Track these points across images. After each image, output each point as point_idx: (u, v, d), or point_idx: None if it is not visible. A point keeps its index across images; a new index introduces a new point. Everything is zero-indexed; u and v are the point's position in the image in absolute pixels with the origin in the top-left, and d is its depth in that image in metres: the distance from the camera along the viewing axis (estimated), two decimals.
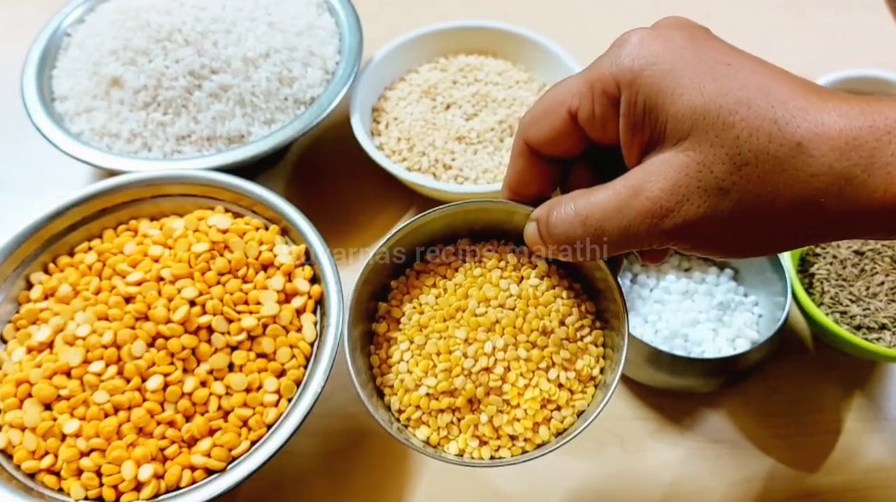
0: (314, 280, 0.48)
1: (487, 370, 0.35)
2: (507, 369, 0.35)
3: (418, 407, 0.36)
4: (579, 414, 0.35)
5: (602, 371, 0.36)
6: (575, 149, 0.32)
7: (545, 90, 0.63)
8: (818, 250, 0.51)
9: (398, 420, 0.36)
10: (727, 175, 0.26)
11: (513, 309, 0.36)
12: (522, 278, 0.37)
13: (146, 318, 0.43)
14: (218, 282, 0.46)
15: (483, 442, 0.35)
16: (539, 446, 0.35)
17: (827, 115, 0.26)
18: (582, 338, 0.36)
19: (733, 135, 0.26)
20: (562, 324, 0.36)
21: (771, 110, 0.26)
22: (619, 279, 0.34)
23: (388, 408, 0.36)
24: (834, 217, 0.26)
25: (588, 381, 0.36)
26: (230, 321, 0.44)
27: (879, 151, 0.25)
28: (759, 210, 0.26)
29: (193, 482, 0.41)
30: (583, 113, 0.30)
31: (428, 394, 0.35)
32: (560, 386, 0.35)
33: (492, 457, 0.35)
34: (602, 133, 0.30)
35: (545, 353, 0.35)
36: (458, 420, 0.35)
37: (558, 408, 0.35)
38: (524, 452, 0.35)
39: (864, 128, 0.25)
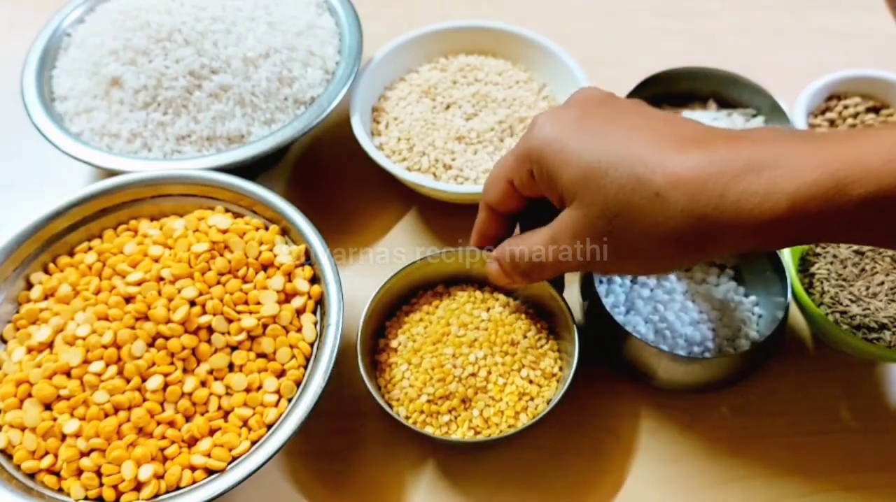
0: (314, 280, 0.48)
1: (473, 375, 0.45)
2: (489, 373, 0.45)
3: (422, 411, 0.45)
4: (548, 401, 0.45)
5: (561, 369, 0.47)
6: (519, 206, 0.43)
7: (544, 91, 0.63)
8: (818, 250, 0.51)
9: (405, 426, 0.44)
10: (604, 226, 0.35)
11: (486, 330, 0.46)
12: (489, 308, 0.48)
13: (146, 318, 0.43)
14: (218, 282, 0.46)
15: (477, 432, 0.44)
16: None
17: (681, 166, 0.32)
18: (541, 345, 0.47)
19: (604, 195, 0.35)
20: (525, 337, 0.47)
21: (633, 169, 0.33)
22: (563, 296, 0.46)
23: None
24: (692, 248, 0.34)
25: (551, 377, 0.46)
26: (230, 321, 0.44)
27: (729, 191, 0.31)
28: (633, 248, 0.35)
29: (193, 482, 0.41)
30: (517, 181, 0.41)
31: (429, 401, 0.45)
32: (530, 382, 0.46)
33: None
34: (532, 192, 0.41)
35: (516, 358, 0.46)
36: (455, 417, 0.45)
37: (532, 399, 0.45)
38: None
39: (713, 174, 0.32)
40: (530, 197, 0.41)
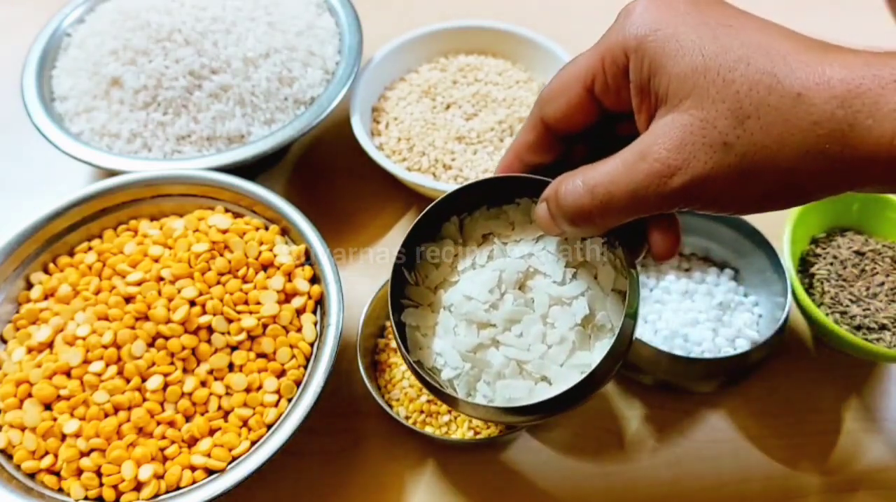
0: (314, 280, 0.48)
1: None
2: None
3: (422, 411, 0.44)
4: None
5: None
6: (588, 122, 0.34)
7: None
8: (818, 250, 0.51)
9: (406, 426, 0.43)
10: (730, 129, 0.27)
11: None
12: None
13: (146, 318, 0.43)
14: (218, 282, 0.46)
15: (477, 433, 0.44)
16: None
17: (828, 67, 0.26)
18: None
19: (733, 91, 0.27)
20: None
21: (771, 65, 0.27)
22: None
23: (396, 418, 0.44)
24: (839, 165, 0.26)
25: None
26: (230, 321, 0.44)
27: (884, 99, 0.25)
28: (765, 161, 0.27)
29: (193, 482, 0.41)
30: (598, 85, 0.32)
31: (429, 401, 0.44)
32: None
33: None
34: (616, 100, 0.32)
35: None
36: (455, 417, 0.44)
37: None
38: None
39: (867, 77, 0.26)
40: (610, 110, 0.33)
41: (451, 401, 0.35)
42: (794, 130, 0.26)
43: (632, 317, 0.33)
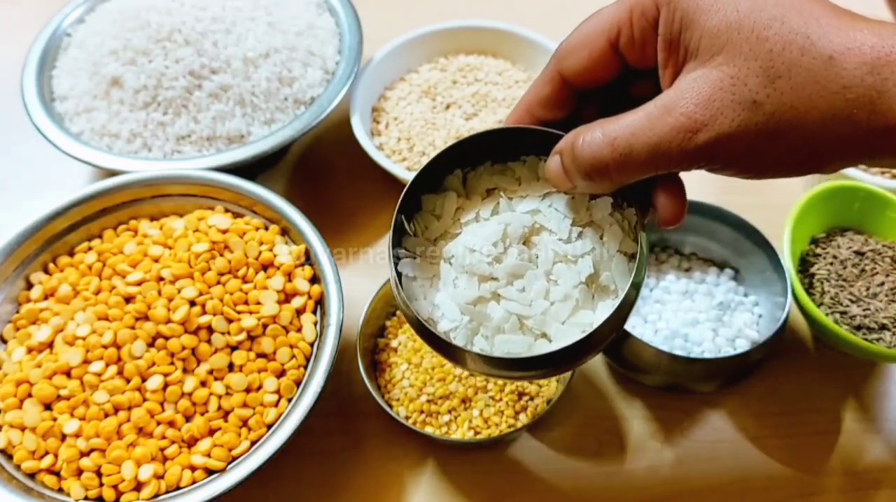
0: (314, 280, 0.48)
1: (473, 375, 0.45)
2: None
3: (422, 411, 0.45)
4: (548, 401, 0.46)
5: None
6: (608, 77, 0.33)
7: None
8: (818, 250, 0.51)
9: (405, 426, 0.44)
10: (761, 88, 0.27)
11: None
12: None
13: (146, 318, 0.43)
14: (218, 282, 0.46)
15: (477, 432, 0.44)
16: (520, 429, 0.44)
17: (859, 33, 0.26)
18: None
19: (767, 49, 0.27)
20: None
21: (804, 26, 0.27)
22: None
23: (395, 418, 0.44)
24: (864, 131, 0.26)
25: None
26: (230, 321, 0.44)
27: None
28: (792, 122, 0.27)
29: (193, 482, 0.41)
30: (623, 39, 0.31)
31: (429, 401, 0.45)
32: (531, 381, 0.45)
33: None
34: (641, 55, 0.31)
35: None
36: (455, 417, 0.45)
37: (532, 399, 0.46)
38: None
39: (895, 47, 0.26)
40: (633, 65, 0.32)
41: (450, 351, 0.33)
42: (824, 93, 0.26)
43: (636, 286, 0.32)
